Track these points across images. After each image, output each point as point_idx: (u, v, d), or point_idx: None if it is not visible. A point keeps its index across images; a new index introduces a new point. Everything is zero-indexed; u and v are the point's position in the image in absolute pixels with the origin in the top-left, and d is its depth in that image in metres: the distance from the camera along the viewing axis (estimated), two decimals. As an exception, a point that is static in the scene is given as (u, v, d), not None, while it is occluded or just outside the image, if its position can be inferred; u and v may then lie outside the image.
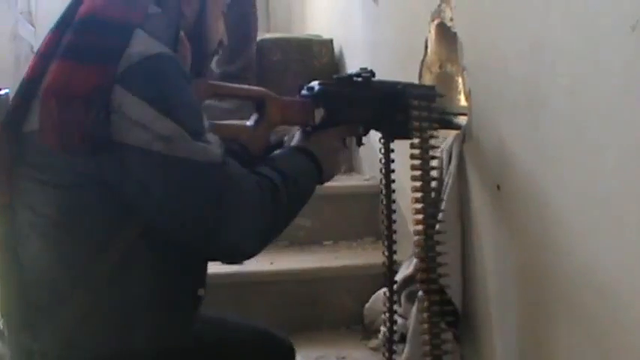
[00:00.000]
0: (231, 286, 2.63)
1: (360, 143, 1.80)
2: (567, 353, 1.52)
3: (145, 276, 1.40)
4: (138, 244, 1.37)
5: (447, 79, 2.35)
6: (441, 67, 2.35)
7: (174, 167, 1.30)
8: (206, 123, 1.37)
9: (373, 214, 2.76)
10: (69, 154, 1.30)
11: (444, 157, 2.00)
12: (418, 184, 1.81)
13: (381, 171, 1.88)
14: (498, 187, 1.78)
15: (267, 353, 1.70)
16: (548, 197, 1.55)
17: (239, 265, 2.60)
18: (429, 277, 1.83)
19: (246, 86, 1.89)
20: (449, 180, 1.95)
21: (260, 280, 2.71)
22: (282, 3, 5.75)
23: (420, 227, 1.81)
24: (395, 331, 1.93)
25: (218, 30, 1.63)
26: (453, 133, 2.02)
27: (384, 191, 1.89)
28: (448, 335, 1.90)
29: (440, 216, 1.94)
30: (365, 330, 2.66)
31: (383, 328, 2.03)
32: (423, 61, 2.39)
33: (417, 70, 2.42)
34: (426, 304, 1.84)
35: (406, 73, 2.47)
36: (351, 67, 3.91)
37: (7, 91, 1.48)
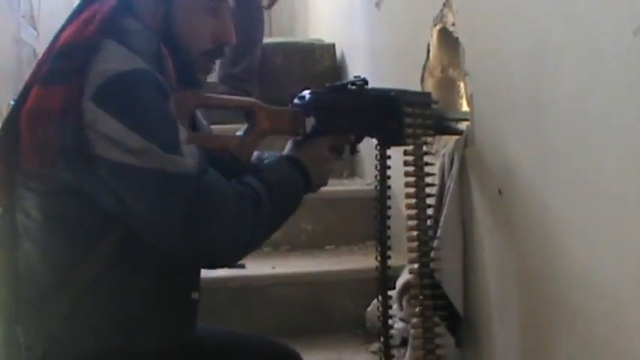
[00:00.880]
0: (234, 290, 2.64)
1: (353, 151, 1.80)
2: (568, 357, 1.52)
3: (130, 279, 1.44)
4: (122, 248, 1.42)
5: (449, 84, 2.35)
6: (443, 71, 2.36)
7: (145, 178, 1.34)
8: (182, 135, 1.40)
9: (375, 218, 2.75)
10: (48, 169, 1.37)
11: (446, 161, 2.01)
12: (412, 190, 1.81)
13: (376, 177, 1.88)
14: (500, 191, 1.78)
15: None
16: (549, 201, 1.55)
17: (240, 269, 2.63)
18: (423, 282, 1.84)
19: (235, 97, 1.90)
20: (450, 184, 1.96)
21: (262, 284, 2.71)
22: (284, 7, 5.76)
23: (413, 233, 1.82)
24: (392, 336, 1.92)
25: (198, 36, 1.59)
26: (454, 137, 2.02)
27: (379, 197, 1.89)
28: (448, 339, 1.91)
29: (441, 220, 1.94)
30: (366, 334, 2.66)
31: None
32: (425, 65, 2.40)
33: (419, 75, 2.42)
34: (417, 309, 1.84)
35: (408, 78, 2.48)
36: (353, 71, 3.92)
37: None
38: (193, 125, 1.64)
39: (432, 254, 1.90)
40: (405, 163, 1.80)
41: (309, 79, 4.00)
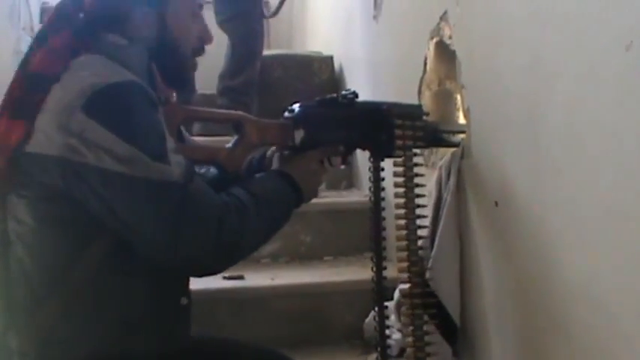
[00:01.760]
0: (232, 301, 2.64)
1: (345, 162, 1.82)
2: (564, 367, 1.53)
3: (120, 285, 1.46)
4: (113, 251, 1.44)
5: (446, 97, 2.37)
6: (440, 84, 2.37)
7: (133, 186, 1.36)
8: (170, 145, 1.42)
9: (371, 229, 2.76)
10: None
11: (443, 173, 2.02)
12: (401, 200, 1.83)
13: (370, 189, 1.90)
14: (496, 203, 1.80)
15: None
16: (545, 214, 1.57)
17: (239, 280, 2.64)
18: (413, 292, 1.85)
19: (223, 110, 1.93)
20: (447, 196, 1.97)
21: (261, 295, 2.71)
22: (282, 19, 5.78)
23: (403, 243, 1.84)
24: (389, 347, 1.94)
25: (189, 37, 1.65)
26: (451, 149, 2.04)
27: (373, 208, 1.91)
28: (445, 349, 1.92)
29: (438, 231, 1.95)
30: (365, 345, 2.66)
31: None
32: (422, 78, 2.41)
33: (416, 88, 2.44)
34: (405, 318, 1.86)
35: (406, 90, 2.49)
36: (352, 83, 3.94)
37: None
38: (178, 139, 1.66)
39: (429, 265, 1.92)
40: (395, 174, 1.82)
41: (308, 92, 4.01)
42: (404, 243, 1.84)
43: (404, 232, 1.84)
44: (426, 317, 1.88)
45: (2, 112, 1.45)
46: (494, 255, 1.84)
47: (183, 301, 1.56)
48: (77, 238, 1.43)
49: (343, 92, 1.79)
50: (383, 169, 1.86)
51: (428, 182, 1.99)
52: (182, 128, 1.73)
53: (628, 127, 1.24)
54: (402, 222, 1.84)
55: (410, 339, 1.86)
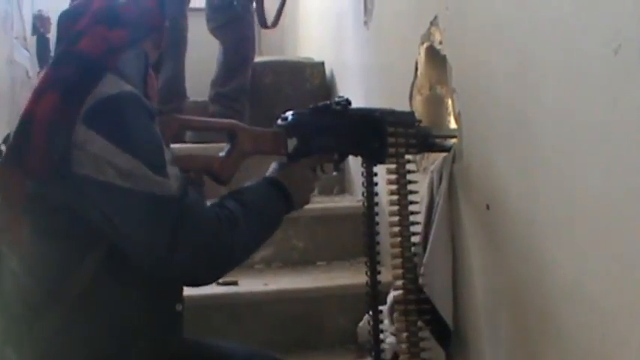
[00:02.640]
0: (226, 306, 2.65)
1: (337, 169, 1.83)
2: (557, 368, 1.54)
3: (117, 293, 1.47)
4: (109, 261, 1.44)
5: (437, 101, 2.37)
6: (430, 89, 2.38)
7: (133, 200, 1.37)
8: (167, 156, 1.44)
9: (364, 234, 2.76)
10: (34, 179, 1.40)
11: (435, 177, 2.03)
12: (395, 208, 1.84)
13: (363, 194, 1.91)
14: (488, 206, 1.80)
15: None
16: (535, 216, 1.57)
17: (233, 285, 2.64)
18: (407, 297, 1.86)
19: (217, 119, 1.94)
20: (439, 200, 1.98)
21: (254, 300, 2.72)
22: (274, 26, 5.78)
23: (397, 249, 1.85)
24: (383, 351, 1.95)
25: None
26: (443, 154, 2.05)
27: (366, 213, 1.92)
28: (438, 353, 1.93)
29: (431, 235, 1.96)
30: (358, 349, 2.67)
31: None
32: (413, 83, 2.42)
33: (408, 93, 2.44)
34: (399, 324, 1.87)
35: (397, 96, 2.50)
36: (343, 89, 3.94)
37: None
38: None
39: (422, 269, 1.93)
40: (389, 182, 1.84)
41: (299, 98, 4.02)
42: (398, 250, 1.85)
43: (398, 239, 1.85)
44: (419, 323, 1.89)
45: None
46: (487, 258, 1.85)
47: (178, 307, 1.58)
48: (74, 249, 1.43)
49: (336, 99, 1.81)
50: (376, 175, 1.87)
51: (420, 187, 2.00)
52: None
53: (617, 130, 1.25)
54: (396, 229, 1.85)
55: (404, 345, 1.87)
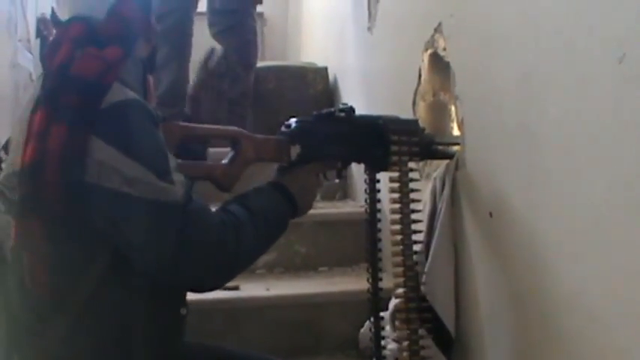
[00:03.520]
0: (228, 311, 2.65)
1: (340, 176, 1.83)
2: (558, 377, 1.54)
3: (123, 300, 1.47)
4: (114, 269, 1.44)
5: (440, 108, 2.37)
6: (434, 95, 2.38)
7: (138, 206, 1.37)
8: (172, 162, 1.44)
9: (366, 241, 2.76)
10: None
11: (437, 184, 2.03)
12: (397, 216, 1.84)
13: (366, 201, 1.91)
14: (490, 214, 1.80)
15: None
16: (538, 224, 1.57)
17: (234, 290, 2.64)
18: (409, 306, 1.86)
19: (220, 126, 1.94)
20: (442, 207, 1.98)
21: (256, 305, 2.71)
22: (277, 31, 5.80)
23: (399, 258, 1.84)
24: (384, 357, 1.94)
25: None
26: (445, 160, 2.05)
27: (369, 220, 1.92)
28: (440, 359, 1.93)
29: (433, 242, 1.96)
30: (360, 355, 2.66)
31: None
32: (416, 89, 2.42)
33: (411, 99, 2.44)
34: (400, 331, 1.87)
35: (400, 102, 2.50)
36: (346, 95, 3.94)
37: None
38: None
39: (424, 277, 1.93)
40: (391, 190, 1.83)
41: (302, 103, 4.01)
42: (399, 258, 1.85)
43: (400, 247, 1.85)
44: (421, 331, 1.89)
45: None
46: (489, 265, 1.85)
47: (183, 311, 1.58)
48: (80, 256, 1.43)
49: (340, 106, 1.81)
50: (379, 182, 1.87)
51: (422, 193, 2.00)
52: None
53: (621, 139, 1.25)
54: (398, 237, 1.84)
55: (405, 353, 1.87)
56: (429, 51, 2.27)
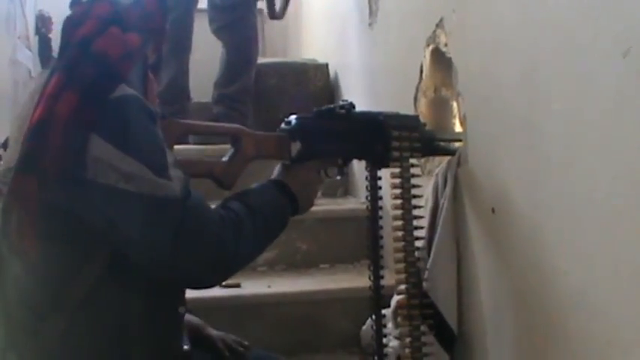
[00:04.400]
0: (230, 309, 2.64)
1: (341, 173, 1.83)
2: (562, 374, 1.53)
3: (120, 297, 1.46)
4: (112, 267, 1.43)
5: (442, 104, 2.37)
6: (436, 91, 2.37)
7: (135, 202, 1.35)
8: (170, 158, 1.42)
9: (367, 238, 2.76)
10: (47, 181, 1.36)
11: (440, 180, 2.02)
12: (399, 212, 1.83)
13: (367, 198, 1.90)
14: (493, 210, 1.80)
15: None
16: (542, 220, 1.57)
17: (236, 288, 2.64)
18: (410, 302, 1.85)
19: (220, 123, 1.94)
20: (444, 203, 1.97)
21: (258, 302, 2.71)
22: (277, 27, 5.79)
23: (400, 255, 1.84)
24: (386, 355, 1.94)
25: None
26: (448, 157, 2.04)
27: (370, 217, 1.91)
28: (443, 357, 1.92)
29: (435, 238, 1.95)
30: (362, 352, 2.66)
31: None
32: (418, 85, 2.41)
33: (412, 95, 2.44)
34: (402, 328, 1.86)
35: (401, 98, 2.50)
36: (347, 91, 3.94)
37: None
38: None
39: (427, 273, 1.92)
40: (393, 186, 1.83)
41: (303, 99, 4.01)
42: (401, 255, 1.84)
43: (401, 244, 1.84)
44: (423, 327, 1.88)
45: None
46: (492, 262, 1.84)
47: (181, 309, 1.57)
48: (77, 253, 1.42)
49: (340, 102, 1.80)
50: (380, 178, 1.87)
51: (424, 190, 1.99)
52: None
53: (626, 135, 1.24)
54: (400, 234, 1.84)
55: (407, 350, 1.86)
56: (431, 47, 2.27)
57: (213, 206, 1.52)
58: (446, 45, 2.12)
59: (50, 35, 6.28)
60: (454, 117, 2.32)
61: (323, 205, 3.27)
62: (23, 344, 1.45)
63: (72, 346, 1.44)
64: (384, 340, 1.94)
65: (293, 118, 1.76)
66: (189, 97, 4.06)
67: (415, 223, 1.86)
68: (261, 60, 4.29)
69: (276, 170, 1.73)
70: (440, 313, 1.93)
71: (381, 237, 1.89)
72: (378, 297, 1.90)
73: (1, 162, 1.57)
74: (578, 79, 1.39)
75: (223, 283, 2.63)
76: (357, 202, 3.40)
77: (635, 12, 1.21)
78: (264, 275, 2.98)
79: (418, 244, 1.89)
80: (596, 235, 1.35)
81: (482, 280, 1.90)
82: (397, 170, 1.83)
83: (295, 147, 1.72)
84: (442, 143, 2.00)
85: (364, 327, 2.64)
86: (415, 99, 2.43)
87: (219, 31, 4.06)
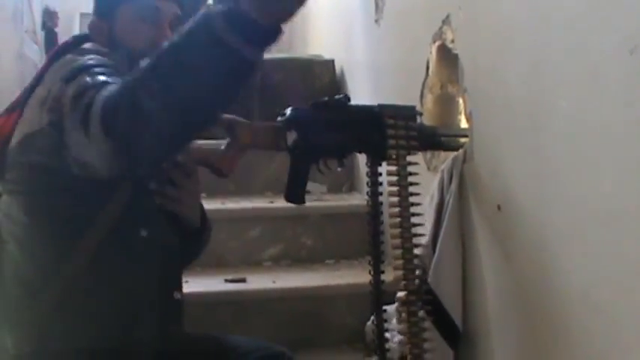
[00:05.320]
0: (235, 303, 2.65)
1: (341, 164, 1.84)
2: (567, 371, 1.53)
3: (113, 273, 1.50)
4: (104, 244, 1.47)
5: (448, 100, 2.37)
6: (442, 88, 2.37)
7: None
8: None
9: (368, 233, 2.76)
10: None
11: (445, 177, 2.02)
12: (396, 209, 1.83)
13: (367, 194, 1.91)
14: (499, 207, 1.79)
15: None
16: (547, 218, 1.57)
17: (241, 283, 2.64)
18: (409, 299, 1.85)
19: None
20: (450, 199, 1.97)
21: (262, 298, 2.72)
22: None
23: (398, 251, 1.84)
24: (389, 350, 1.94)
25: (135, 38, 1.67)
26: (453, 153, 2.04)
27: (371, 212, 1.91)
28: (447, 353, 1.93)
29: (440, 235, 1.96)
30: (366, 348, 2.67)
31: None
32: (424, 82, 2.41)
33: (418, 91, 2.44)
34: (405, 325, 1.87)
35: (408, 94, 2.49)
36: (353, 87, 3.94)
37: None
38: None
39: (431, 270, 1.93)
40: (389, 183, 1.83)
41: (309, 95, 3.99)
42: (399, 251, 1.84)
43: (399, 240, 1.84)
44: (427, 323, 1.88)
45: (3, 113, 1.57)
46: (497, 259, 1.84)
47: (177, 295, 1.59)
48: (70, 230, 1.46)
49: (336, 96, 1.82)
50: (381, 174, 1.87)
51: (430, 186, 1.99)
52: None
53: (632, 132, 1.24)
54: (398, 230, 1.83)
55: (410, 346, 1.86)
56: (437, 43, 2.27)
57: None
58: (452, 41, 2.12)
59: (56, 30, 6.29)
60: (460, 113, 2.32)
61: (328, 200, 3.27)
62: (16, 321, 1.49)
63: (64, 324, 1.47)
64: (388, 336, 1.94)
65: (289, 109, 1.78)
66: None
67: (414, 220, 1.85)
68: (266, 55, 4.25)
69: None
70: (444, 309, 1.93)
71: (382, 233, 1.90)
72: (378, 293, 1.90)
73: None
74: (584, 77, 1.39)
75: (228, 278, 2.66)
76: (362, 198, 3.37)
77: (642, 9, 1.21)
78: (269, 270, 2.98)
79: (422, 240, 1.89)
80: (603, 232, 1.35)
81: (488, 276, 1.90)
82: (394, 168, 1.83)
83: (291, 136, 1.74)
84: (446, 139, 2.00)
85: (369, 323, 2.64)
86: (421, 95, 2.43)
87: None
